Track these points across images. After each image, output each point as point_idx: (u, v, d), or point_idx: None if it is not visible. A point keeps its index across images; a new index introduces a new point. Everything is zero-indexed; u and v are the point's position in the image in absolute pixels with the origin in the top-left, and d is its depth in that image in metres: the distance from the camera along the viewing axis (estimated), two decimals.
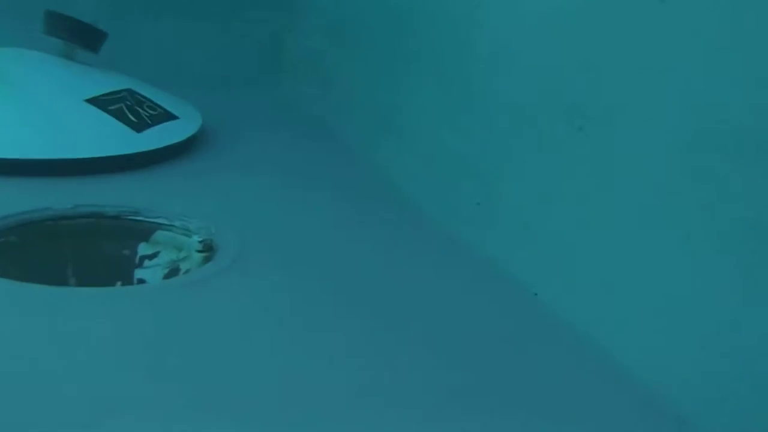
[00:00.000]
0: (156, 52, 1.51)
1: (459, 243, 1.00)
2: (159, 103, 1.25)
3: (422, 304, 0.86)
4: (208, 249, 0.96)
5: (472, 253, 0.98)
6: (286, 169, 1.23)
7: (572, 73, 0.89)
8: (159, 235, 1.01)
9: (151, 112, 1.22)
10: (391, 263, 0.95)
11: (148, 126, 1.19)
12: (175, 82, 1.34)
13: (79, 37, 1.27)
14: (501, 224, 0.99)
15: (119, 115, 1.18)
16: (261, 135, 1.35)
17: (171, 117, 1.24)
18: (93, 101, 1.18)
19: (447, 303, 0.87)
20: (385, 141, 1.26)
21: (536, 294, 0.89)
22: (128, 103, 1.20)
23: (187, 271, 0.96)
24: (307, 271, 0.91)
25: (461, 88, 1.09)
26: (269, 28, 1.60)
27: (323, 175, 1.21)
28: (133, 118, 1.18)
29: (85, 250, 0.99)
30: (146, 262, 1.00)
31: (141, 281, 1.00)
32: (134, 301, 0.83)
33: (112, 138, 1.14)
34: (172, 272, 0.98)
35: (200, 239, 0.97)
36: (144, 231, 1.01)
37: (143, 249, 1.01)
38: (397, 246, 1.00)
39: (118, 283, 0.98)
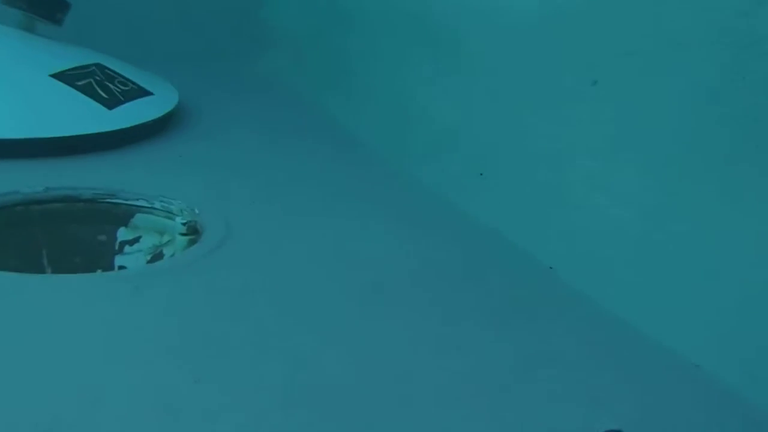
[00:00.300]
0: (126, 25, 1.43)
1: (451, 209, 0.98)
2: (131, 78, 1.17)
3: (423, 275, 0.83)
4: (193, 231, 0.90)
5: (455, 213, 0.96)
6: (267, 144, 1.18)
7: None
8: (139, 218, 0.94)
9: (123, 87, 1.14)
10: (381, 230, 0.92)
11: (121, 102, 1.11)
12: (147, 58, 1.27)
13: (40, 8, 1.19)
14: (496, 189, 0.95)
15: (88, 91, 1.10)
16: (239, 109, 1.30)
17: (145, 93, 1.16)
18: (59, 76, 1.09)
19: (450, 271, 0.84)
20: (365, 108, 1.23)
21: (551, 267, 0.85)
22: (98, 78, 1.12)
23: (172, 256, 0.89)
24: (299, 246, 0.86)
25: (449, 50, 1.07)
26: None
27: (304, 147, 1.17)
28: (103, 94, 1.10)
29: (60, 237, 0.92)
30: (127, 248, 0.93)
31: (122, 269, 0.92)
32: (121, 287, 0.76)
33: (83, 115, 1.07)
34: (156, 258, 0.92)
35: (184, 221, 0.91)
36: (122, 214, 0.94)
37: (123, 234, 0.94)
38: (384, 213, 0.97)
39: (99, 271, 0.91)
